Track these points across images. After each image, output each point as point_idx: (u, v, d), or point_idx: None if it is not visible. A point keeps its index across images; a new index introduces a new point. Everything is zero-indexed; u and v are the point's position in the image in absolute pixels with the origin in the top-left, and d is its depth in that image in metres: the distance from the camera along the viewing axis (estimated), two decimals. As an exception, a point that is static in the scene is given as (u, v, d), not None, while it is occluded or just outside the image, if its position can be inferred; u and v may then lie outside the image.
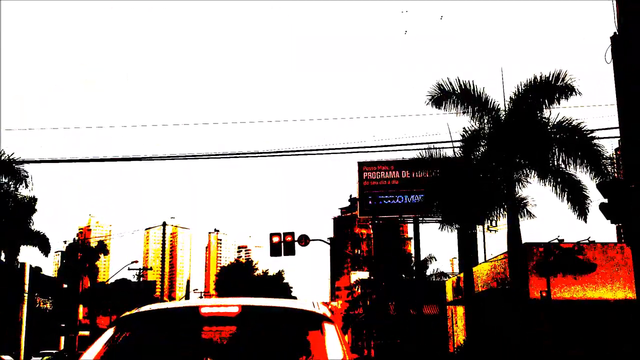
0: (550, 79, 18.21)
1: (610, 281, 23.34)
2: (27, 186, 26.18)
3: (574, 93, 18.25)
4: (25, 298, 45.79)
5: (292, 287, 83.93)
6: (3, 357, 35.55)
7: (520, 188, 18.93)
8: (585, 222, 18.33)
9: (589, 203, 18.24)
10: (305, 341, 4.00)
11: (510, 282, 19.33)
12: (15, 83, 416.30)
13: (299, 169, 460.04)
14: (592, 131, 17.90)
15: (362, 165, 41.98)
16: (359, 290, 54.67)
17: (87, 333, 52.73)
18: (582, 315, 22.96)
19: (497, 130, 19.00)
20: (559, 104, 18.42)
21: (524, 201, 19.80)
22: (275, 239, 33.52)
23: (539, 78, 18.35)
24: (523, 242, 19.19)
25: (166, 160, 19.53)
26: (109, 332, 4.09)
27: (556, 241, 26.75)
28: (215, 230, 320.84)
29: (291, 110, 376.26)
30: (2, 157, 25.28)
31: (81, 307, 58.28)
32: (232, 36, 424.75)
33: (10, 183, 26.31)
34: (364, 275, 58.09)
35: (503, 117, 19.10)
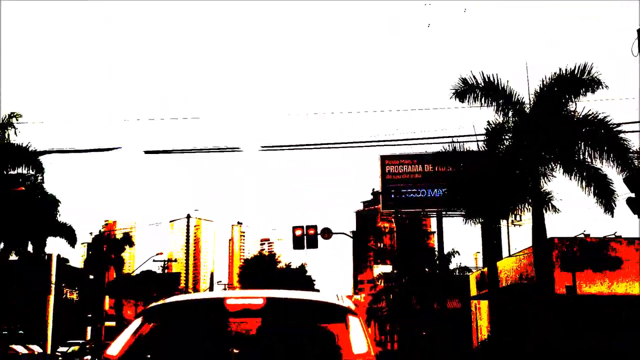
0: (576, 72, 18.02)
1: (637, 276, 23.08)
2: (42, 177, 26.55)
3: (600, 86, 18.05)
4: (52, 289, 46.41)
5: (314, 280, 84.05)
6: (30, 346, 36.11)
7: (545, 182, 18.77)
8: (612, 216, 18.13)
9: (615, 197, 18.05)
10: (330, 334, 4.03)
11: (535, 277, 19.19)
12: (45, 75, 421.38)
13: (321, 162, 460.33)
14: (619, 125, 17.68)
15: (384, 159, 41.82)
16: (382, 284, 54.61)
17: (113, 323, 53.29)
18: (608, 311, 22.74)
19: (522, 124, 18.85)
20: (585, 97, 18.24)
21: (549, 195, 19.58)
22: (298, 232, 33.56)
23: (564, 71, 18.17)
24: (548, 236, 19.03)
25: (191, 153, 19.68)
26: (137, 323, 4.16)
27: (582, 236, 26.50)
28: (239, 222, 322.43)
29: (315, 103, 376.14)
30: (29, 150, 25.65)
31: (107, 297, 58.96)
32: (258, 26, 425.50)
33: (37, 175, 26.70)
34: (387, 269, 57.95)
35: (528, 111, 18.96)
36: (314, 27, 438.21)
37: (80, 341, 44.45)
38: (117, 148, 18.70)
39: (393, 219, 50.37)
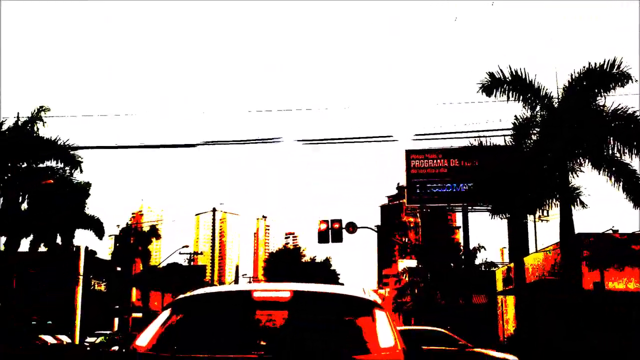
0: (605, 66, 17.78)
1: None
2: (81, 171, 26.84)
3: (629, 80, 17.80)
4: (80, 280, 47.04)
5: (339, 274, 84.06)
6: (59, 336, 36.63)
7: (573, 177, 18.58)
8: (642, 212, 17.89)
9: (645, 193, 17.80)
10: (356, 327, 4.04)
11: (563, 272, 19.01)
12: (71, 70, 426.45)
13: (347, 156, 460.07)
14: (649, 120, 17.43)
15: (410, 153, 41.52)
16: (407, 279, 54.44)
17: (139, 315, 53.84)
18: (636, 307, 22.44)
19: (550, 119, 18.67)
20: (614, 91, 18.00)
21: (577, 191, 19.36)
22: (323, 226, 33.58)
23: (593, 66, 17.94)
24: (576, 232, 18.83)
25: (215, 145, 19.83)
26: (165, 314, 4.21)
27: (610, 232, 26.14)
28: (263, 216, 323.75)
29: (341, 97, 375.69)
30: (58, 143, 25.92)
31: (134, 289, 59.58)
32: (278, 24, 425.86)
33: (65, 168, 26.99)
34: (412, 263, 57.76)
35: (556, 105, 18.75)
36: (336, 21, 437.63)
37: (108, 332, 44.95)
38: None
39: (418, 214, 50.18)
